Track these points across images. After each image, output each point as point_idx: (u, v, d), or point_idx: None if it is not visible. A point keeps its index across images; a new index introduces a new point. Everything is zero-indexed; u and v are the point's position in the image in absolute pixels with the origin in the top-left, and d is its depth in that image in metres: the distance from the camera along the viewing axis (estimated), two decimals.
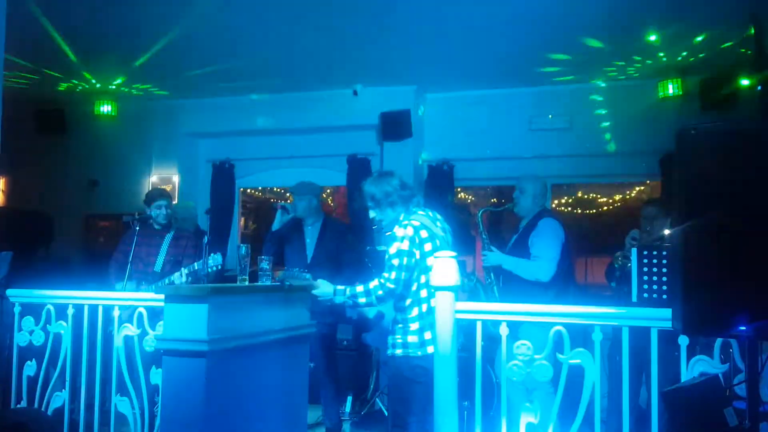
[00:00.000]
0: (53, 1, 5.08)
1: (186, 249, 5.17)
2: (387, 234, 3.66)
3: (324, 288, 3.62)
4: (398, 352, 3.52)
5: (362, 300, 3.51)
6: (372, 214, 3.73)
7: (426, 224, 3.56)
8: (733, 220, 2.14)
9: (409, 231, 3.46)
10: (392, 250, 3.46)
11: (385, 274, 3.44)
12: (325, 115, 7.41)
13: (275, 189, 8.63)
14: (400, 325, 3.54)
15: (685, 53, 5.92)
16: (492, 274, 4.66)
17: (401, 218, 3.60)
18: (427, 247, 3.50)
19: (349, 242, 5.23)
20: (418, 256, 3.47)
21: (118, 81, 7.16)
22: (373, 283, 3.47)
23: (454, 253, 3.29)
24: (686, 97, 6.33)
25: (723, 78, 6.11)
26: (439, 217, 3.74)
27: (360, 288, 3.51)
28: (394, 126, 7.02)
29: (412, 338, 3.48)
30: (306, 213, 5.21)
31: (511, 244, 4.76)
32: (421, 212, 3.64)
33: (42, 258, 6.67)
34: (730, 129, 2.24)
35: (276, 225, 5.20)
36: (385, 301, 3.51)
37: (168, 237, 5.22)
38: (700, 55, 5.92)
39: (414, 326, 3.49)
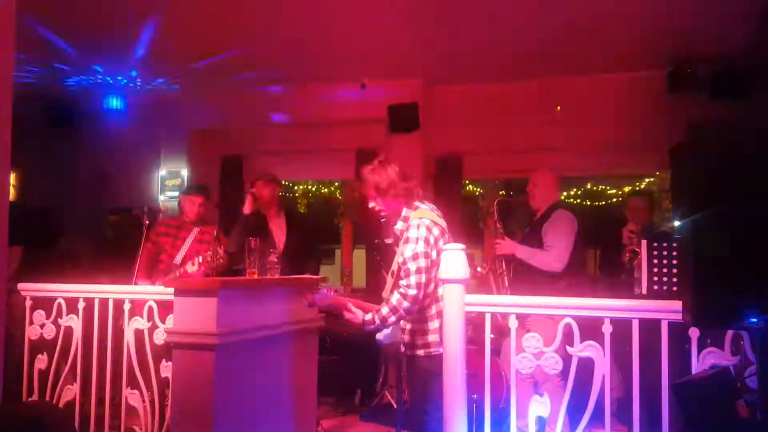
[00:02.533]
0: None
1: (210, 244, 5.19)
2: (394, 227, 3.53)
3: (356, 317, 3.39)
4: (420, 353, 3.44)
5: (392, 319, 3.33)
6: (371, 203, 3.55)
7: (435, 218, 3.44)
8: (743, 211, 2.13)
9: (422, 231, 3.33)
10: (408, 254, 3.31)
11: (403, 283, 3.29)
12: (333, 109, 7.40)
13: (283, 182, 8.62)
14: (420, 325, 3.44)
15: (695, 43, 5.88)
16: (503, 264, 4.69)
17: (404, 213, 3.48)
18: (442, 243, 3.38)
19: (312, 235, 5.19)
20: (434, 256, 3.35)
21: (128, 75, 7.17)
22: (396, 298, 3.29)
23: (462, 246, 3.28)
24: (696, 87, 6.29)
25: (733, 68, 6.08)
26: (437, 209, 3.62)
27: (385, 309, 3.31)
28: (402, 119, 7.01)
29: (433, 337, 3.40)
30: (271, 203, 5.18)
31: (525, 235, 4.79)
32: (424, 206, 3.51)
33: (52, 252, 6.70)
34: (741, 121, 2.23)
35: (247, 210, 5.11)
36: (414, 310, 3.34)
37: (194, 232, 5.30)
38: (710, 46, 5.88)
39: (434, 325, 3.40)
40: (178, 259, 5.15)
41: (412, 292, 3.26)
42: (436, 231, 3.39)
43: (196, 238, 5.26)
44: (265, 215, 5.24)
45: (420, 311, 3.40)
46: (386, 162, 3.58)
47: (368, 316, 3.35)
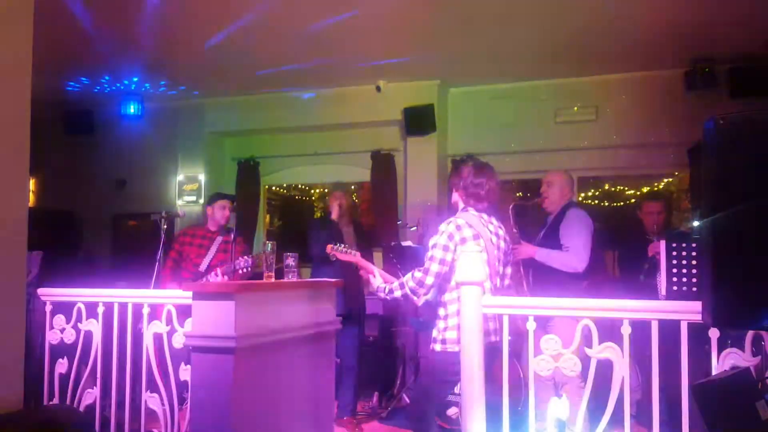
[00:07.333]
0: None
1: (233, 251, 5.23)
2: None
3: (375, 281, 3.75)
4: (437, 347, 3.54)
5: (397, 294, 3.60)
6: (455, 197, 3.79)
7: (473, 223, 3.54)
8: (763, 210, 2.10)
9: (451, 227, 3.50)
10: (430, 243, 3.54)
11: (419, 268, 3.52)
12: (349, 112, 7.43)
13: (300, 186, 8.66)
14: (440, 321, 3.56)
15: (713, 42, 5.83)
16: (521, 268, 4.65)
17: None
18: (470, 245, 3.43)
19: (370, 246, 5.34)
20: (455, 252, 3.44)
21: (145, 81, 7.22)
22: (407, 277, 3.56)
23: (480, 248, 3.27)
24: (714, 86, 6.24)
25: (751, 66, 6.02)
26: (493, 221, 3.72)
27: (395, 284, 3.63)
28: (418, 121, 7.02)
29: (450, 334, 3.49)
30: (345, 213, 5.42)
31: (540, 238, 4.74)
32: (473, 212, 3.63)
33: (71, 257, 6.76)
34: (758, 118, 2.20)
35: (334, 215, 5.43)
36: (418, 293, 3.55)
37: (218, 240, 5.33)
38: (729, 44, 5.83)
39: (454, 322, 3.48)
40: (203, 267, 5.20)
41: (418, 275, 3.49)
42: (465, 231, 3.50)
43: (220, 248, 5.31)
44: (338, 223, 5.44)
45: (443, 306, 3.56)
46: (482, 164, 3.96)
47: (382, 285, 3.70)
